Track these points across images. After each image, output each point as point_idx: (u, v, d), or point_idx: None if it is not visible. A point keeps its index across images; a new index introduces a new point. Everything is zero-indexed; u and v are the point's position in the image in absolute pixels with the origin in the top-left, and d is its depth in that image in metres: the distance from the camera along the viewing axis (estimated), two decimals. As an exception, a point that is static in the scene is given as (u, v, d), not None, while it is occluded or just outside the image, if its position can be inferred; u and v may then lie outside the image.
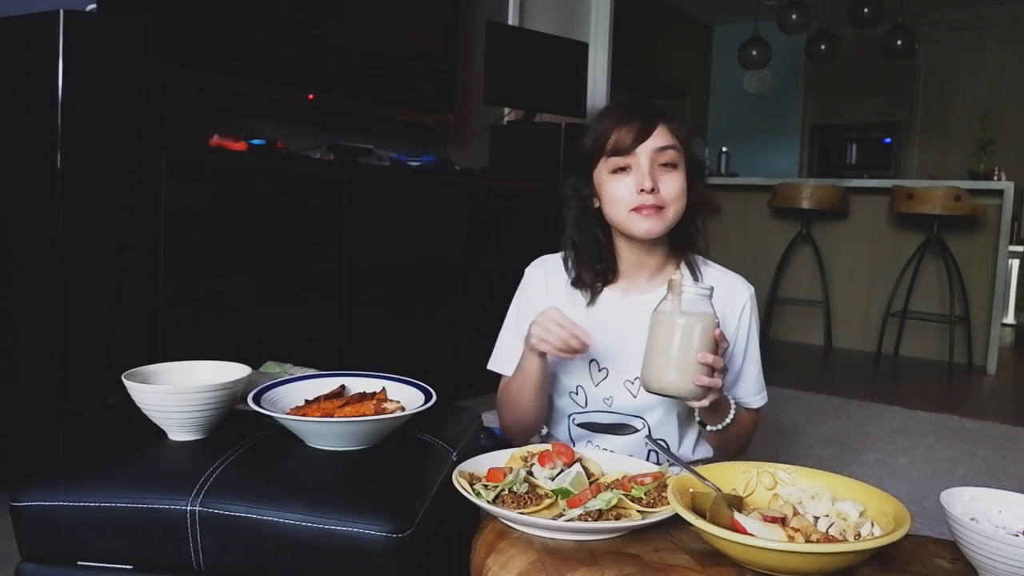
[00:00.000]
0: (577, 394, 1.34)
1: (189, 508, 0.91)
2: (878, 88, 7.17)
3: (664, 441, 1.32)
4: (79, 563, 0.95)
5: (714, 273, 1.34)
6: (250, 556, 0.92)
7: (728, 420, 1.20)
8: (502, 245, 3.11)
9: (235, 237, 2.20)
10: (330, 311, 2.48)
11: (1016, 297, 5.94)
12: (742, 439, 1.32)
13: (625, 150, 1.22)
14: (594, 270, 1.31)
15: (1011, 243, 4.13)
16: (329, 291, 2.48)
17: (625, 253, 1.31)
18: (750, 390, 1.34)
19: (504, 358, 1.38)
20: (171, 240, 2.01)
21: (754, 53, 6.24)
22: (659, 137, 1.22)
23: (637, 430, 1.31)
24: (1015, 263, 5.80)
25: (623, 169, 1.23)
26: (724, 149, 6.14)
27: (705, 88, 7.95)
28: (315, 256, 2.43)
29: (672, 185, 1.23)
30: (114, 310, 1.88)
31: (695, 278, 1.29)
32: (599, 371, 1.32)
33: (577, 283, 1.34)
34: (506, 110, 3.77)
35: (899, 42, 5.70)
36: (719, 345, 1.08)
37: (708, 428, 1.22)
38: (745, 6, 6.43)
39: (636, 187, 1.21)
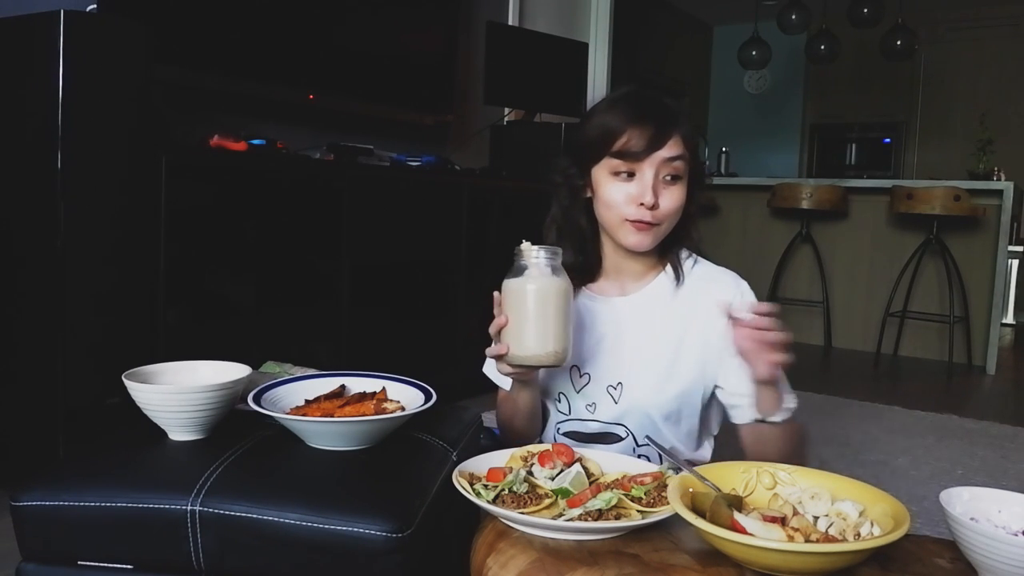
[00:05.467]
0: (560, 401, 1.30)
1: (189, 508, 0.91)
2: (878, 88, 7.17)
3: (649, 445, 1.27)
4: (79, 563, 0.95)
5: (704, 270, 1.28)
6: (250, 556, 0.92)
7: (790, 409, 1.14)
8: (502, 245, 3.10)
9: (235, 237, 2.20)
10: (330, 311, 2.48)
11: (1016, 297, 5.94)
12: (784, 455, 1.13)
13: (633, 156, 1.15)
14: (577, 257, 1.26)
15: (1011, 243, 4.13)
16: (329, 291, 2.48)
17: (610, 252, 1.28)
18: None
19: (492, 366, 1.34)
20: (171, 240, 2.01)
21: (754, 53, 6.25)
22: (671, 147, 1.16)
23: (621, 439, 1.27)
24: (1015, 263, 5.80)
25: (626, 174, 1.17)
26: (724, 149, 6.14)
27: (705, 88, 7.96)
28: (315, 256, 2.43)
29: (672, 200, 1.18)
30: (114, 310, 1.88)
31: (677, 278, 1.26)
32: (580, 376, 1.27)
33: None
34: (506, 110, 3.77)
35: (899, 42, 5.71)
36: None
37: (766, 421, 1.13)
38: (745, 6, 6.43)
39: (636, 198, 1.16)
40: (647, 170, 1.16)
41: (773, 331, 1.05)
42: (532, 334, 1.07)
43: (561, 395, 1.30)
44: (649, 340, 1.25)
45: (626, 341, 1.26)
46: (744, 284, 1.27)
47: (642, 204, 1.15)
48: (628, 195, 1.17)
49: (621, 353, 1.26)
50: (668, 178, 1.17)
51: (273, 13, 2.62)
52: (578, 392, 1.28)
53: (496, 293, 1.11)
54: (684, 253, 1.28)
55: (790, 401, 1.17)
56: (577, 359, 1.27)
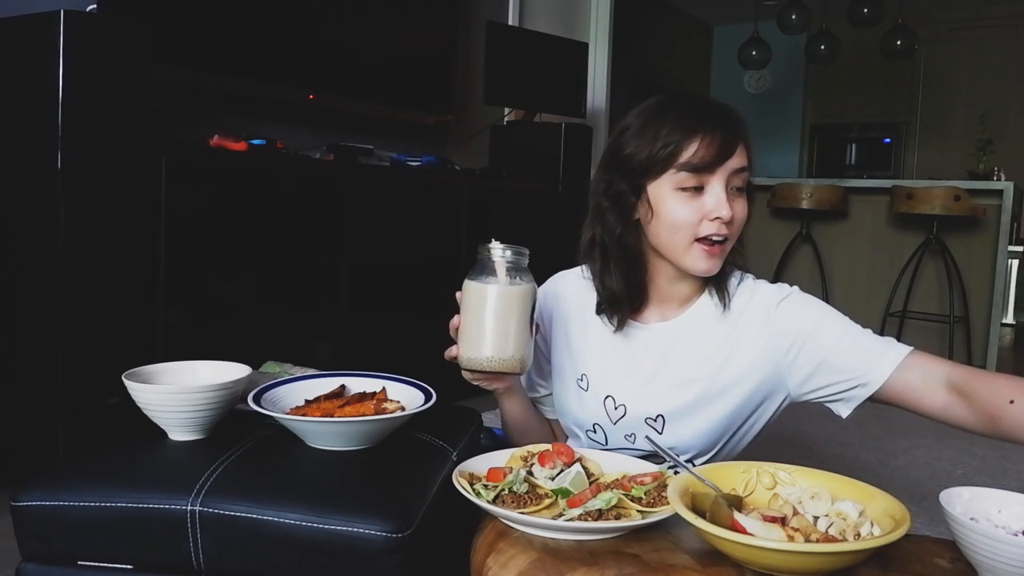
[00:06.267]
0: (595, 432, 1.21)
1: (189, 508, 0.91)
2: (878, 88, 7.18)
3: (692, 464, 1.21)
4: (79, 563, 0.95)
5: (749, 289, 1.17)
6: (250, 556, 0.92)
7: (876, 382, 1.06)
8: (502, 245, 3.10)
9: (235, 237, 2.20)
10: (330, 311, 2.48)
11: (1016, 297, 5.94)
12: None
13: (704, 168, 1.04)
14: (626, 285, 1.14)
15: (1010, 243, 4.13)
16: (329, 291, 2.48)
17: (658, 276, 1.16)
18: (871, 359, 1.08)
19: None
20: (171, 240, 2.01)
21: (754, 53, 6.25)
22: (739, 156, 1.06)
23: (663, 460, 1.17)
24: (1015, 263, 5.81)
25: (693, 189, 1.06)
26: (724, 149, 6.13)
27: (705, 88, 7.96)
28: (315, 256, 2.43)
29: (742, 212, 1.09)
30: (114, 310, 1.88)
31: (723, 301, 1.15)
32: (615, 408, 1.18)
33: (605, 305, 1.17)
34: (506, 110, 3.77)
35: (899, 42, 5.71)
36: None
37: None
38: (745, 6, 6.43)
39: (708, 213, 1.05)
40: (716, 182, 1.06)
41: None
42: (489, 338, 1.01)
43: (596, 426, 1.21)
44: (691, 369, 1.15)
45: (665, 370, 1.17)
46: (788, 288, 1.17)
47: (717, 218, 1.05)
48: (700, 211, 1.06)
49: (660, 383, 1.17)
50: (735, 189, 1.08)
51: (273, 13, 2.62)
52: (615, 424, 1.19)
53: (458, 293, 1.05)
54: (730, 270, 1.17)
55: (894, 357, 1.09)
56: (611, 389, 1.19)
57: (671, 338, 1.17)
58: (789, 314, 1.13)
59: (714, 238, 1.07)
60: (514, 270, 1.02)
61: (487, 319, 1.01)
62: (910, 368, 1.07)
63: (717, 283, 1.15)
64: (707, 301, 1.17)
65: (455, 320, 1.06)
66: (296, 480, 0.96)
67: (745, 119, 1.11)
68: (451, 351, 1.07)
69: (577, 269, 1.26)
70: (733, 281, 1.17)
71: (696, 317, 1.17)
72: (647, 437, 1.19)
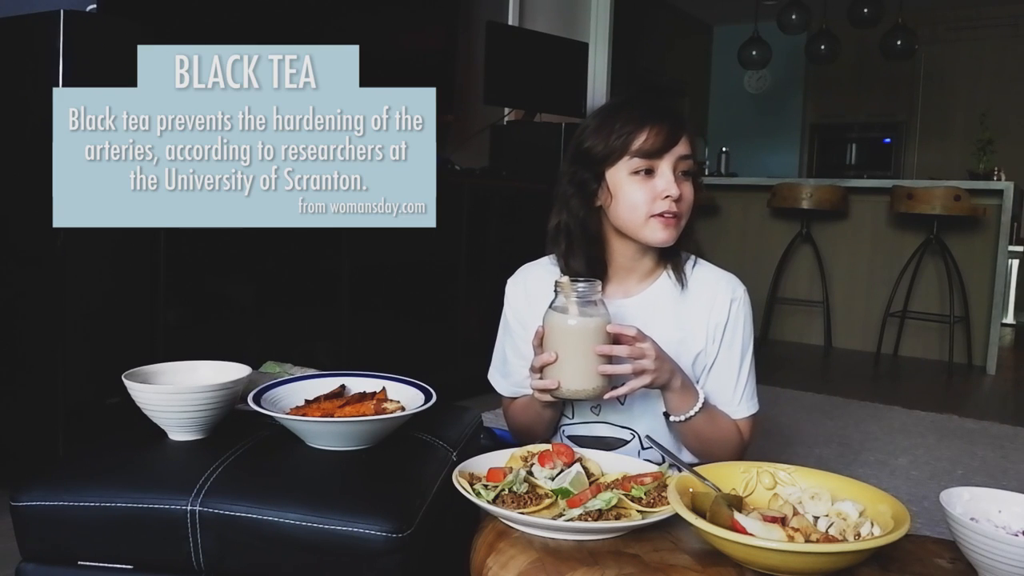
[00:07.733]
0: (564, 406, 1.30)
1: (189, 508, 0.91)
2: (878, 88, 7.17)
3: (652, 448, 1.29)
4: (79, 563, 0.95)
5: (704, 273, 1.31)
6: (250, 556, 0.92)
7: (692, 412, 1.20)
8: (502, 245, 3.10)
9: (235, 237, 2.20)
10: (330, 311, 2.48)
11: (1016, 297, 5.94)
12: (724, 445, 1.25)
13: (653, 153, 1.19)
14: (589, 265, 1.26)
15: (1011, 243, 4.13)
16: (329, 291, 2.48)
17: (619, 256, 1.28)
18: (725, 396, 1.28)
19: (498, 374, 1.38)
20: (171, 240, 2.01)
21: (754, 53, 6.25)
22: (683, 145, 1.21)
23: (627, 442, 1.28)
24: (1015, 263, 5.80)
25: (645, 172, 1.20)
26: (724, 149, 6.14)
27: (705, 88, 7.96)
28: (315, 256, 2.43)
29: (690, 194, 1.22)
30: (114, 310, 1.89)
31: (680, 281, 1.28)
32: None
33: None
34: (506, 110, 3.77)
35: (899, 42, 5.71)
36: (619, 339, 1.11)
37: (672, 419, 1.21)
38: (745, 6, 6.43)
39: (660, 193, 1.19)
40: (665, 166, 1.20)
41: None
42: (588, 371, 1.09)
43: (565, 401, 1.27)
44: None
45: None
46: (742, 288, 1.31)
47: (667, 196, 1.19)
48: (652, 191, 1.20)
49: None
50: (682, 174, 1.22)
51: (273, 13, 2.62)
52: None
53: (539, 327, 1.13)
54: (683, 255, 1.30)
55: (735, 413, 1.29)
56: None
57: (634, 312, 1.27)
58: (732, 316, 1.28)
59: (666, 214, 1.20)
60: (596, 302, 1.11)
61: (590, 353, 1.09)
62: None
63: (674, 262, 1.29)
64: (666, 281, 1.30)
65: (549, 356, 1.11)
66: (296, 480, 0.96)
67: (687, 118, 1.26)
68: (546, 384, 1.12)
69: (542, 259, 1.37)
70: (689, 264, 1.31)
71: (658, 293, 1.29)
72: (647, 437, 1.21)
